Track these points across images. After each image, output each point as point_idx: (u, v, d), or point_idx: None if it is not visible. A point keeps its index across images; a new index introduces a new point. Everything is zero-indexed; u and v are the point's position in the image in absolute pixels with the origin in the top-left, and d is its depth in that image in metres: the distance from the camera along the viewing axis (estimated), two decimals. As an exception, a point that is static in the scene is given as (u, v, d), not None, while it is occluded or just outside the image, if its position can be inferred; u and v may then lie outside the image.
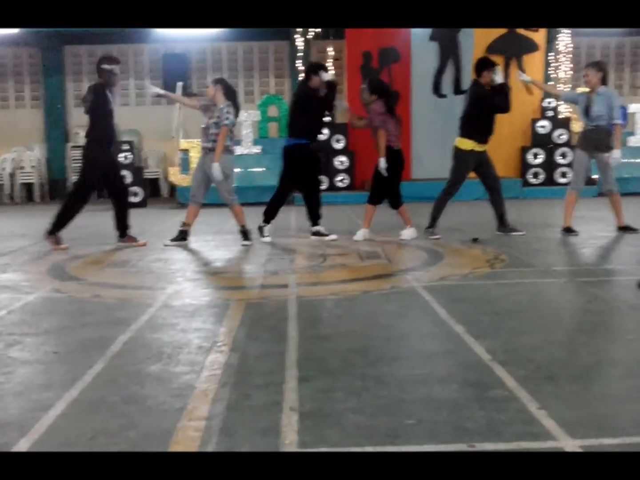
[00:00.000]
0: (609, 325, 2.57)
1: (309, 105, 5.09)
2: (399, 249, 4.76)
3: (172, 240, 5.06)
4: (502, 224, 5.29)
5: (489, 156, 5.27)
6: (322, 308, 2.96)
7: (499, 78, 5.07)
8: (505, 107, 5.12)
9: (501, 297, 3.10)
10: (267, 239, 5.15)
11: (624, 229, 5.26)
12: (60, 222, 4.91)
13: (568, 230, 5.22)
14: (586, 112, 5.10)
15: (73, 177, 11.43)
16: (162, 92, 5.43)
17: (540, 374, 1.96)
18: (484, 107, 5.10)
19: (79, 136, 11.61)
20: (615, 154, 5.12)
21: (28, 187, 11.56)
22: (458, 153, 5.21)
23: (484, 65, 5.18)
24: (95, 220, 6.49)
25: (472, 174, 5.38)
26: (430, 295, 3.07)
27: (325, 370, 2.03)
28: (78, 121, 11.70)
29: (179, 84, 10.18)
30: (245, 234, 5.06)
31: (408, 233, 5.09)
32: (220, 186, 5.03)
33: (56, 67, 11.84)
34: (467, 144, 5.13)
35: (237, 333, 2.50)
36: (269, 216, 5.27)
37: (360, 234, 5.12)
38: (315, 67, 5.33)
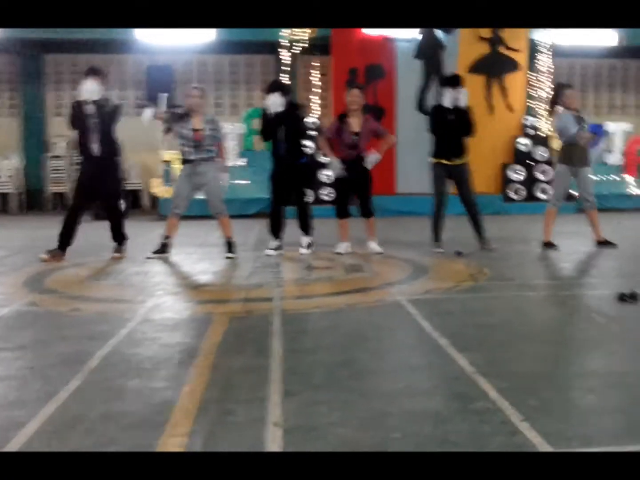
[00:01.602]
0: (589, 338, 2.60)
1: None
2: (384, 263, 4.76)
3: (154, 252, 4.99)
4: (482, 241, 5.34)
5: (464, 173, 5.31)
6: (306, 321, 2.93)
7: (462, 101, 5.18)
8: (467, 132, 5.30)
9: (484, 310, 3.13)
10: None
11: (603, 243, 5.37)
12: (62, 239, 4.91)
13: (548, 245, 5.30)
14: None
15: (51, 188, 11.28)
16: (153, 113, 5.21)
17: (522, 386, 1.98)
18: (435, 123, 5.30)
19: (58, 146, 11.46)
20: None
21: (4, 197, 11.32)
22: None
23: (447, 81, 5.37)
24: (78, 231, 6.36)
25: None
26: (415, 309, 3.08)
27: (309, 384, 2.01)
28: (57, 131, 11.57)
29: (164, 96, 10.13)
30: (230, 246, 5.01)
31: (343, 247, 5.22)
32: (216, 196, 5.02)
33: (36, 75, 11.69)
34: (432, 159, 5.35)
35: (220, 347, 2.45)
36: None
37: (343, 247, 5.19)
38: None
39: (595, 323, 2.84)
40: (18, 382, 2.09)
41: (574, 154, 5.33)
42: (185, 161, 5.03)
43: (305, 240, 5.22)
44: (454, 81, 5.30)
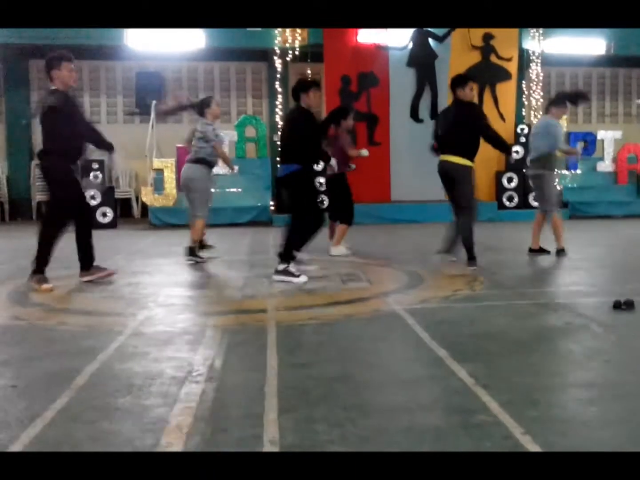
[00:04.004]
0: (587, 347, 2.58)
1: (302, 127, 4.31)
2: (380, 271, 4.71)
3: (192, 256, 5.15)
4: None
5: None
6: (302, 334, 2.86)
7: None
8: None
9: (481, 319, 3.10)
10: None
11: (537, 251, 5.41)
12: (41, 257, 4.11)
13: (561, 252, 5.29)
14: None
15: (37, 196, 11.10)
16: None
17: (523, 398, 1.96)
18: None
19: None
20: None
21: (-13, 206, 11.08)
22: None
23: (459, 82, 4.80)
24: (61, 241, 6.22)
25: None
26: (413, 319, 3.03)
27: (306, 400, 1.96)
28: (44, 138, 11.38)
29: (153, 103, 10.06)
30: (193, 251, 5.16)
31: (338, 250, 5.38)
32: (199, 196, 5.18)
33: (20, 81, 11.48)
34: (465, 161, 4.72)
35: (214, 362, 2.38)
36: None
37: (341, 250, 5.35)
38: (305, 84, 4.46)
39: (593, 332, 2.81)
40: (0, 402, 1.99)
41: (559, 162, 5.40)
42: (208, 163, 5.24)
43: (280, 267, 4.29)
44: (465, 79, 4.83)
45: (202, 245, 5.36)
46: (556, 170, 5.35)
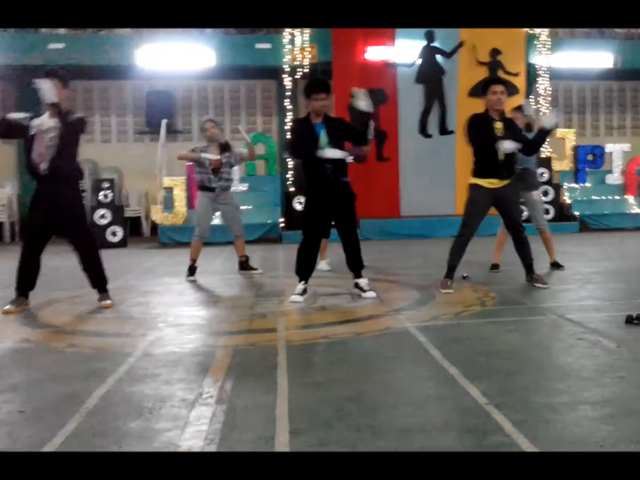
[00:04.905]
0: (600, 363, 2.53)
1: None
2: (390, 288, 4.68)
3: (189, 276, 5.30)
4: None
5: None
6: (313, 353, 2.85)
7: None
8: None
9: (493, 336, 3.06)
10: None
11: (555, 265, 5.36)
12: (18, 280, 4.00)
13: (494, 267, 5.35)
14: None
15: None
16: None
17: (537, 417, 1.92)
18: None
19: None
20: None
21: (-3, 226, 11.13)
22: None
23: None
24: (70, 261, 6.24)
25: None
26: (424, 336, 3.00)
27: (318, 421, 1.93)
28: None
29: (163, 122, 10.18)
30: (244, 263, 5.52)
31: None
32: (237, 220, 5.51)
33: (32, 101, 11.63)
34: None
35: (224, 383, 2.37)
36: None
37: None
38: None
39: (605, 347, 2.77)
40: (7, 428, 1.98)
41: (519, 181, 4.86)
42: (205, 188, 5.38)
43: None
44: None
45: (245, 265, 5.54)
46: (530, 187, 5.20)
